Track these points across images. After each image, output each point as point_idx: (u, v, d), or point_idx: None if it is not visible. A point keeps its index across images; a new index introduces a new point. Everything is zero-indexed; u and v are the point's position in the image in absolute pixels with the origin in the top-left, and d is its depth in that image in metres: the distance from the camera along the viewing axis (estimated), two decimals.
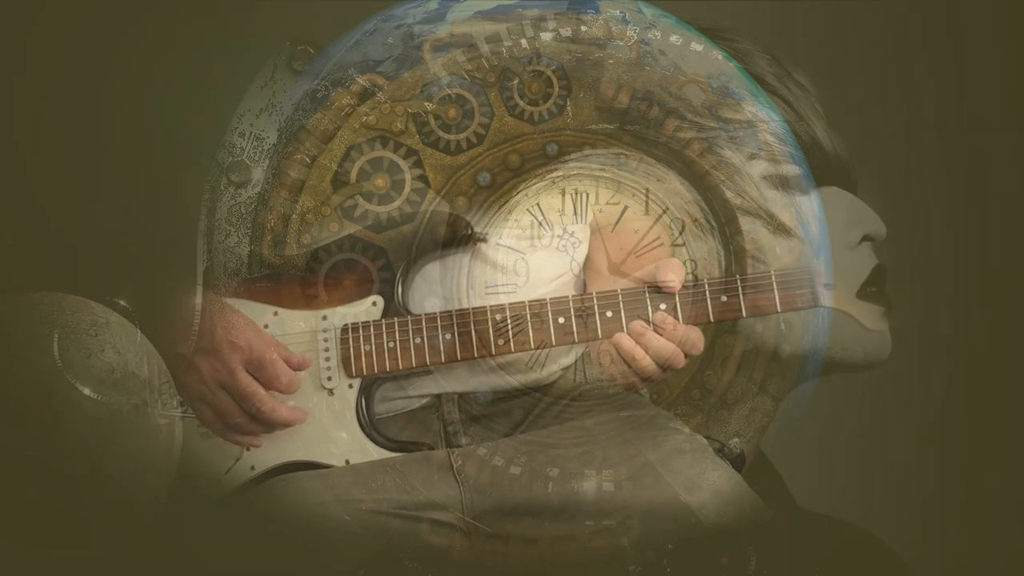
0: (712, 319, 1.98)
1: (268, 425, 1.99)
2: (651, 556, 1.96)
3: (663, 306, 1.98)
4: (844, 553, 2.10)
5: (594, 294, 1.99)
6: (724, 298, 1.98)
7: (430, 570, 1.96)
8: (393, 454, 2.02)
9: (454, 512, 1.98)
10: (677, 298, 1.98)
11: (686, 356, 1.96)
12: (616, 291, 1.98)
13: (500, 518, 1.99)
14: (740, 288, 1.97)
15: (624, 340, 1.96)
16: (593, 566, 1.96)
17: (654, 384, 2.12)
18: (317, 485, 1.97)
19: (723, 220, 2.08)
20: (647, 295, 1.98)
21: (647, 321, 1.96)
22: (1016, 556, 2.43)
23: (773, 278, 1.97)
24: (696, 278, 2.08)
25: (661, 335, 1.95)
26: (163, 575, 1.98)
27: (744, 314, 1.98)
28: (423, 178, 2.06)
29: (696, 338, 1.96)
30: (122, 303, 2.03)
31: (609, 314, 1.98)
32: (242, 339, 1.98)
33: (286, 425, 2.00)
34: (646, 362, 1.95)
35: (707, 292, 1.98)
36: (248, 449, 2.02)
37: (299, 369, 2.00)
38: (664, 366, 1.95)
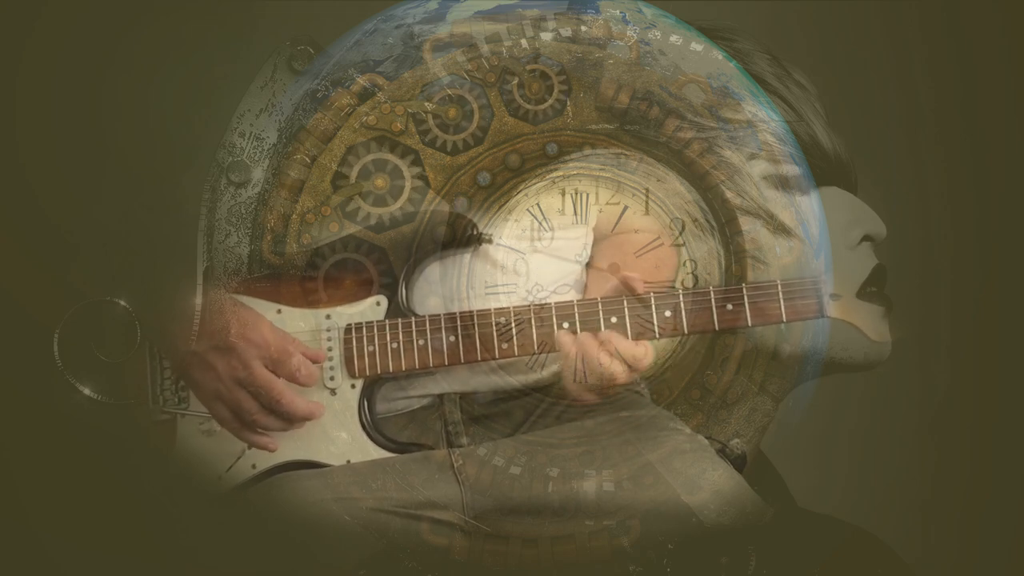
0: (717, 327, 1.98)
1: (287, 419, 1.99)
2: (651, 556, 1.96)
3: (668, 313, 1.98)
4: (844, 553, 2.10)
5: (599, 300, 1.99)
6: (729, 307, 1.97)
7: (430, 570, 1.96)
8: (394, 454, 2.02)
9: (454, 511, 1.98)
10: (682, 305, 1.98)
11: (633, 370, 1.96)
12: (622, 297, 1.98)
13: (500, 518, 1.99)
14: (745, 297, 1.97)
15: (563, 336, 1.97)
16: (593, 566, 1.96)
17: (654, 384, 2.12)
18: (317, 484, 1.97)
19: (723, 220, 2.08)
20: (653, 300, 1.98)
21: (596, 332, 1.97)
22: (1016, 556, 2.43)
23: (779, 288, 1.97)
24: (696, 279, 2.08)
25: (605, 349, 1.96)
26: (164, 572, 1.98)
27: (749, 323, 1.97)
28: (423, 178, 2.06)
29: (635, 355, 1.96)
30: (122, 303, 2.03)
31: (614, 320, 1.98)
32: (257, 334, 1.98)
33: (304, 418, 1.99)
34: (576, 363, 1.96)
35: (712, 301, 1.97)
36: (249, 448, 2.02)
37: (314, 362, 2.00)
38: (604, 376, 1.96)
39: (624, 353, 1.96)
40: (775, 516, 2.01)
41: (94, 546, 1.99)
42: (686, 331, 1.98)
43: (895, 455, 2.60)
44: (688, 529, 1.95)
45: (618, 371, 1.96)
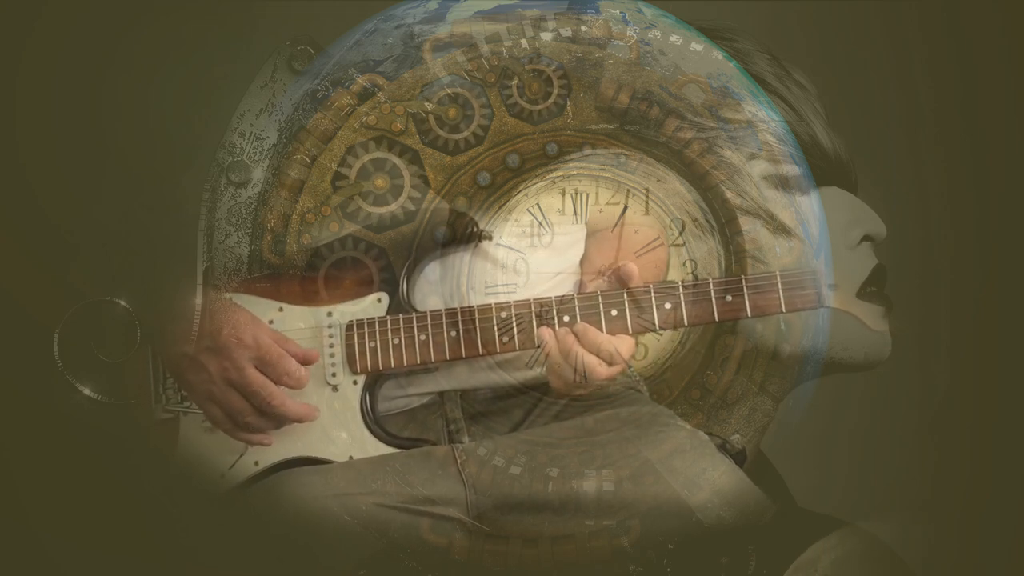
0: (717, 319, 1.99)
1: (278, 420, 1.99)
2: (651, 556, 1.96)
3: (668, 305, 1.98)
4: (844, 553, 2.10)
5: (599, 293, 1.99)
6: (729, 298, 1.98)
7: (430, 570, 1.96)
8: (397, 450, 2.02)
9: (456, 509, 1.98)
10: (681, 297, 1.98)
11: (612, 364, 1.96)
12: (622, 291, 1.99)
13: (500, 518, 1.99)
14: (745, 288, 1.97)
15: (545, 333, 1.97)
16: (593, 566, 1.96)
17: (654, 384, 2.12)
18: (317, 481, 1.97)
19: (723, 220, 2.09)
20: (652, 293, 1.98)
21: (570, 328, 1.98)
22: (1016, 556, 2.43)
23: (778, 278, 1.97)
24: (696, 278, 2.08)
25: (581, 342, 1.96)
26: (164, 572, 1.98)
27: (749, 314, 1.98)
28: (423, 178, 2.06)
29: (608, 349, 1.96)
30: (122, 303, 2.03)
31: (614, 313, 1.99)
32: (249, 336, 1.98)
33: (296, 420, 2.00)
34: (558, 359, 1.96)
35: (712, 292, 1.98)
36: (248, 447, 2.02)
37: (307, 363, 2.00)
38: (580, 371, 1.96)
39: (601, 346, 1.96)
40: (775, 516, 2.01)
41: (94, 546, 1.99)
42: (686, 323, 1.98)
43: (895, 455, 2.59)
44: (688, 529, 1.95)
45: (593, 364, 1.96)
